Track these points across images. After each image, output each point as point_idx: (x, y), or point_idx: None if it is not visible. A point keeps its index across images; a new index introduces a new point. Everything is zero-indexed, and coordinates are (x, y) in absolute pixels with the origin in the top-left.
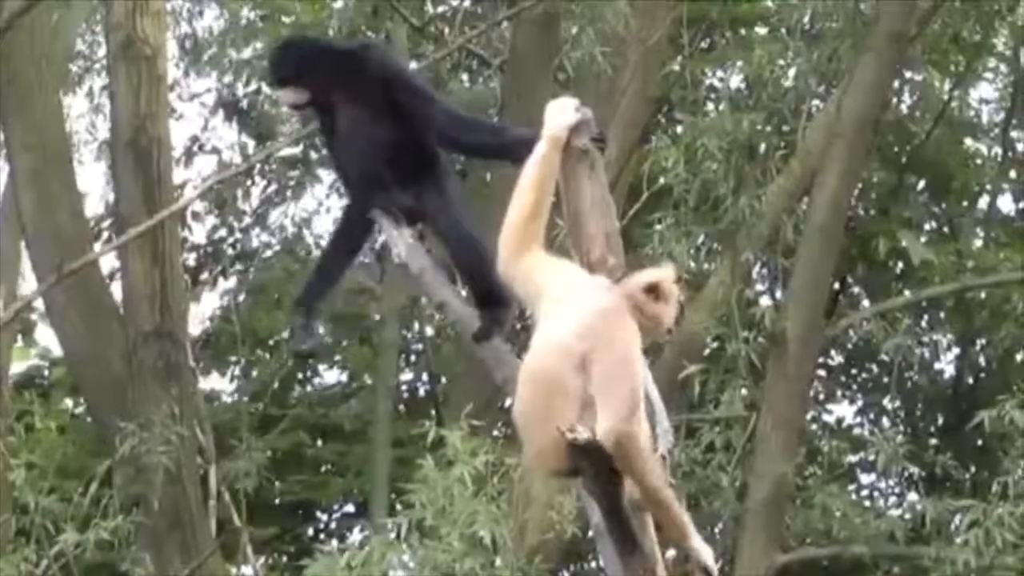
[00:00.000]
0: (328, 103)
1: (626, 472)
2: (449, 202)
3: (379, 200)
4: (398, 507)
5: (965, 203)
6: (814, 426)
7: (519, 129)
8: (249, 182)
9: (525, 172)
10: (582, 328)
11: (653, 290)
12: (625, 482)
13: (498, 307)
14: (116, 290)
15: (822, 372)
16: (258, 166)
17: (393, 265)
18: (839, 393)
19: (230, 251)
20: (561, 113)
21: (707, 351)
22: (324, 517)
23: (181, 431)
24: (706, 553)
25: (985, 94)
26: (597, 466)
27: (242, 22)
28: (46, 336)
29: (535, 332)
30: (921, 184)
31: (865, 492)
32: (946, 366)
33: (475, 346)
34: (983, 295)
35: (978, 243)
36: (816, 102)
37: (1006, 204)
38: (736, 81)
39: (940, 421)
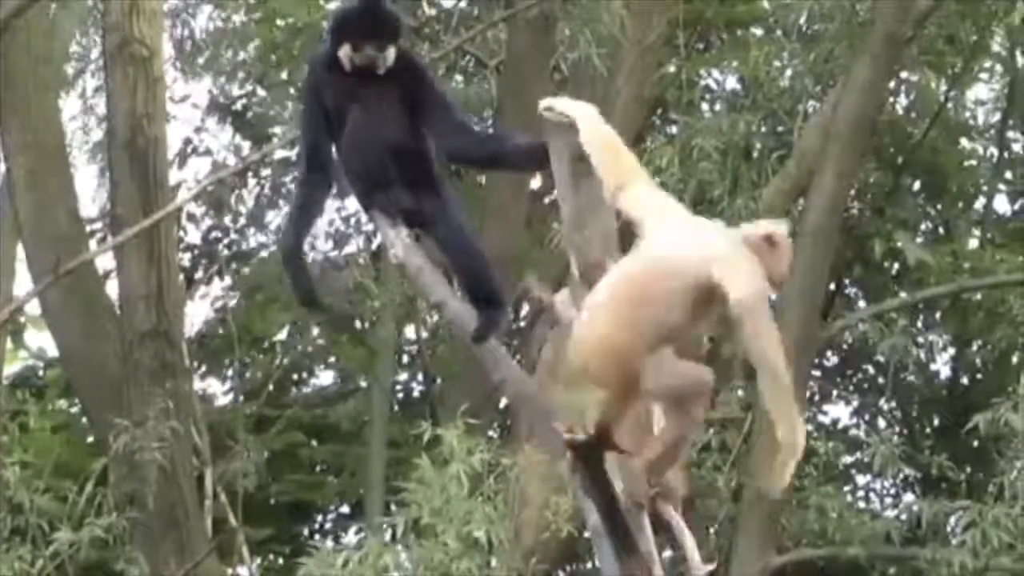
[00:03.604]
0: (349, 87)
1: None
2: (448, 205)
3: (379, 199)
4: (393, 508)
5: (961, 204)
6: (810, 427)
7: (518, 137)
8: (244, 184)
9: (584, 140)
10: (706, 255)
11: (769, 239)
12: (621, 483)
13: (495, 308)
14: (112, 290)
15: (818, 373)
16: (253, 167)
17: (389, 265)
18: (835, 394)
19: (225, 252)
20: (570, 102)
21: (703, 352)
22: (320, 518)
23: (175, 426)
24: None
25: (981, 95)
26: (594, 469)
27: (236, 24)
28: (39, 337)
29: (635, 247)
30: (917, 185)
31: (861, 493)
32: (942, 367)
33: (473, 347)
34: (979, 296)
35: (974, 244)
36: (812, 103)
37: (1002, 205)
38: (732, 82)
39: (936, 422)
